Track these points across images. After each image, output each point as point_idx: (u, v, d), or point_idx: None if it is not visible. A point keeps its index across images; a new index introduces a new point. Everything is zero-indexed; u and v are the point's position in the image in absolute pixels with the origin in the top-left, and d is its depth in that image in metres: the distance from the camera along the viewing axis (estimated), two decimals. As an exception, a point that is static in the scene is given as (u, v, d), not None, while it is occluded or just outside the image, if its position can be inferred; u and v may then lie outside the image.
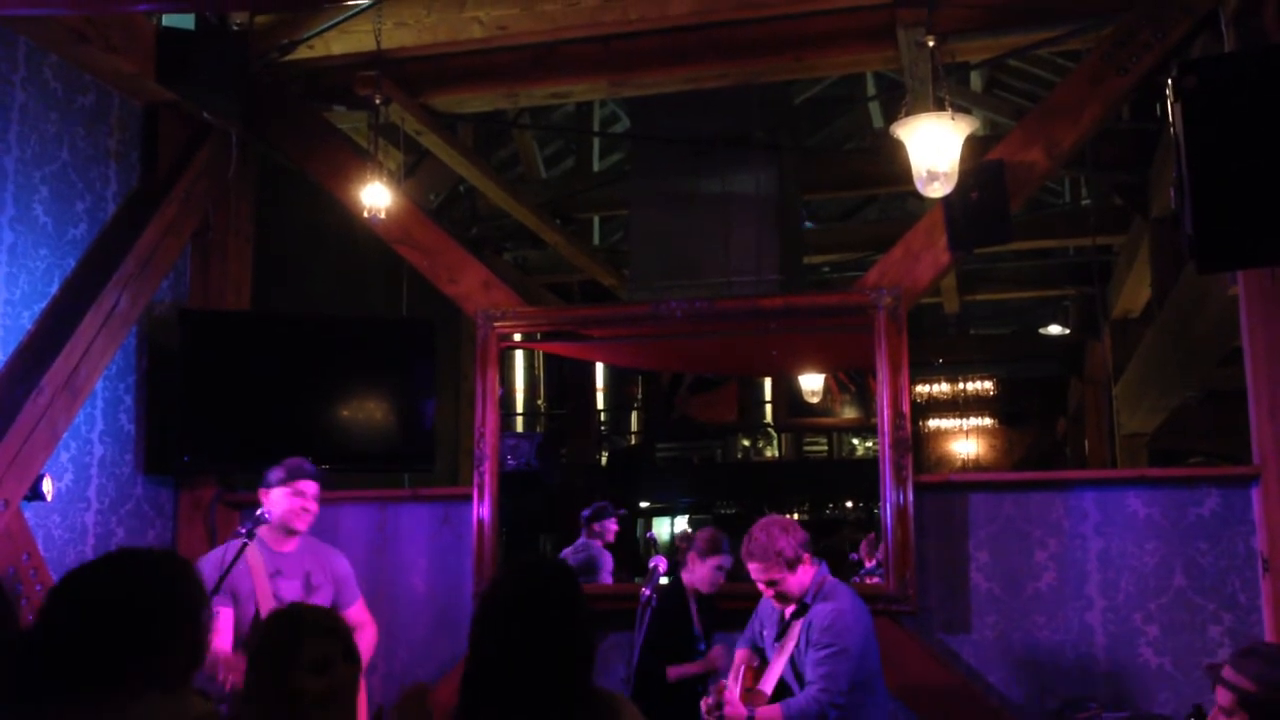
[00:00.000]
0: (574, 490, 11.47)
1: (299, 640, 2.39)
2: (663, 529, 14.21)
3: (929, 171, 4.71)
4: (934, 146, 4.69)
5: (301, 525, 4.41)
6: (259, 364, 5.55)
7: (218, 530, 5.54)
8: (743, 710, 3.84)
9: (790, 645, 3.98)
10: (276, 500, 4.39)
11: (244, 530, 4.26)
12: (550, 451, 12.36)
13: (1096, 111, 5.09)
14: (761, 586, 3.99)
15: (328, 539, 5.59)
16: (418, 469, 6.03)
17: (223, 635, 4.10)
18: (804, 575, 3.95)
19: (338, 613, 4.38)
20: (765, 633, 4.17)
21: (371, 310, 7.67)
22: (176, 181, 5.50)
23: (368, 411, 5.70)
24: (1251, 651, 2.94)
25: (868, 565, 7.65)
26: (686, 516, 14.45)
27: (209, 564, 4.24)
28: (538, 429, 14.06)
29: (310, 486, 4.42)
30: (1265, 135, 2.15)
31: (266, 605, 4.15)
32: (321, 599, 4.43)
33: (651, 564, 4.20)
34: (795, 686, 3.95)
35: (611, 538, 7.54)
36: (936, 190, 4.77)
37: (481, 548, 5.38)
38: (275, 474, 4.44)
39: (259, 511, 4.36)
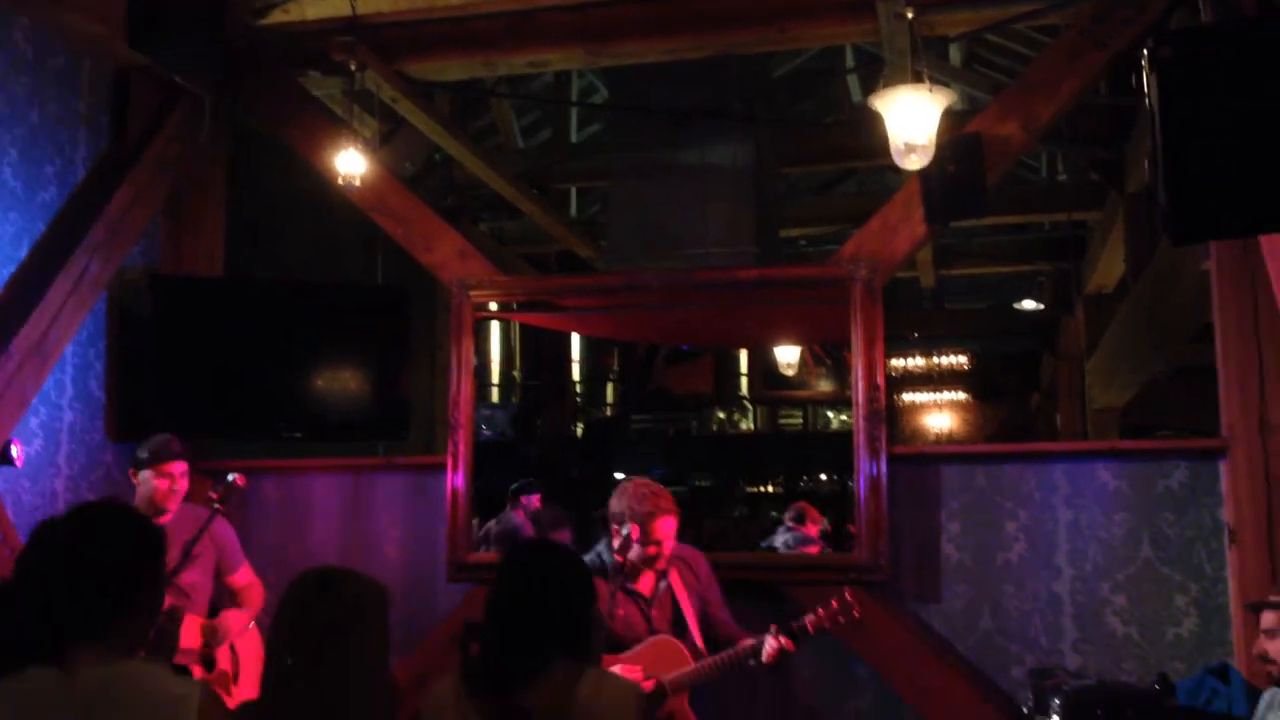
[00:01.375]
0: (549, 461, 11.48)
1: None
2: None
3: (906, 144, 4.71)
4: (911, 119, 4.69)
5: (171, 505, 4.40)
6: (231, 331, 5.50)
7: (190, 497, 5.51)
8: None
9: (682, 594, 4.06)
10: (144, 481, 4.38)
11: (215, 495, 4.26)
12: (525, 422, 12.39)
13: (1074, 86, 5.09)
14: (664, 547, 3.99)
15: (300, 508, 5.60)
16: (392, 438, 6.02)
17: None
18: None
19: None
20: (621, 613, 4.02)
21: (346, 278, 7.62)
22: (148, 146, 5.43)
23: (341, 380, 5.66)
24: None
25: (812, 534, 7.61)
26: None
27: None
28: (513, 400, 14.05)
29: (178, 466, 4.40)
30: (1240, 108, 2.16)
31: None
32: (203, 567, 4.44)
33: (624, 531, 4.20)
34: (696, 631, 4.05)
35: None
36: (913, 163, 4.78)
37: (455, 517, 5.37)
38: (141, 454, 4.42)
39: (230, 477, 4.34)
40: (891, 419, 5.60)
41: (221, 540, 4.56)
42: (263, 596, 4.68)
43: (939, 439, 15.91)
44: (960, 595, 5.04)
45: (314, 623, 2.31)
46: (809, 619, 3.97)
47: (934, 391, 16.21)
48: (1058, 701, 4.37)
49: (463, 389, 5.48)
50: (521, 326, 13.05)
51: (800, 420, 16.82)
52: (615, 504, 4.05)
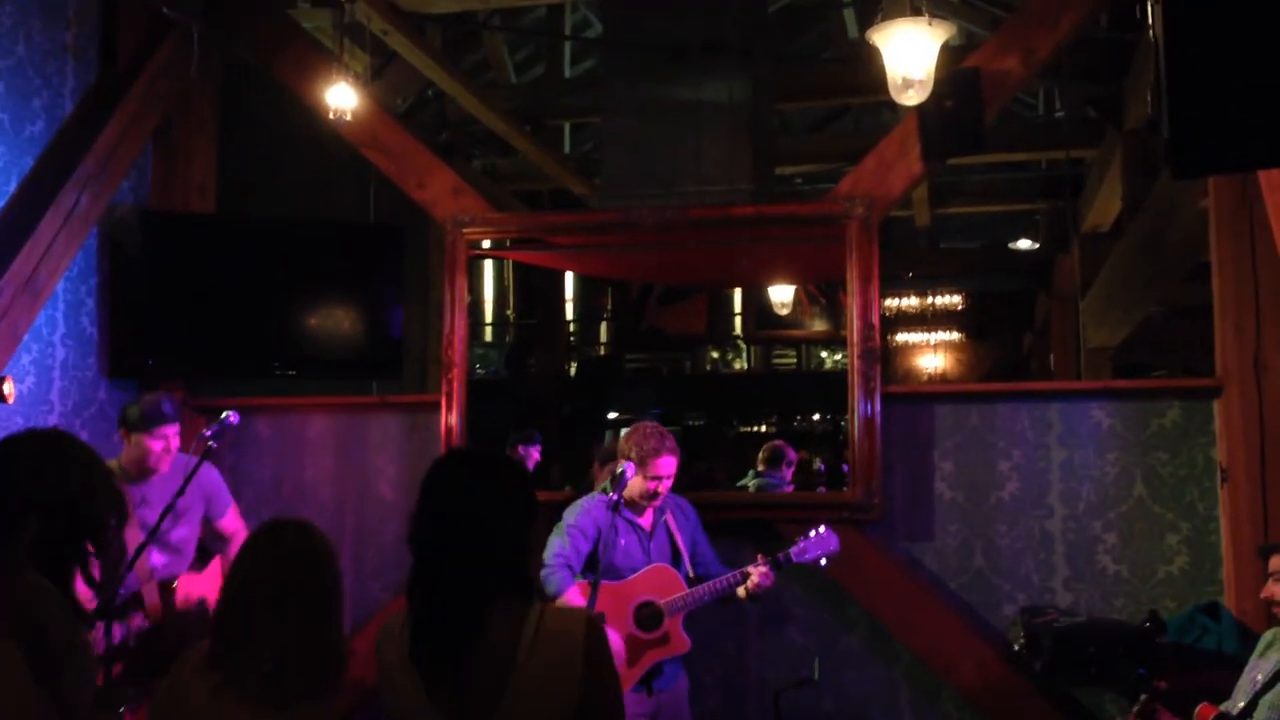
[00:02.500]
0: (542, 400, 11.50)
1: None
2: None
3: (904, 79, 4.66)
4: (910, 53, 4.64)
5: (164, 467, 4.35)
6: (224, 268, 5.46)
7: (183, 435, 5.50)
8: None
9: (677, 532, 4.38)
10: (135, 444, 4.30)
11: (209, 434, 4.24)
12: (519, 361, 12.39)
13: (1074, 18, 5.03)
14: (663, 484, 4.25)
15: (294, 446, 5.60)
16: (385, 377, 6.00)
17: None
18: None
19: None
20: (623, 542, 4.29)
21: (339, 216, 7.56)
22: (136, 78, 5.35)
23: (335, 318, 5.63)
24: None
25: (785, 477, 7.52)
26: (654, 427, 14.52)
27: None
28: (506, 339, 14.05)
29: (171, 429, 4.33)
30: (1246, 40, 2.13)
31: (133, 535, 4.07)
32: (190, 520, 4.44)
33: (620, 469, 4.22)
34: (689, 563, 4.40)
35: (531, 466, 7.61)
36: (911, 98, 4.72)
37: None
38: (131, 416, 4.34)
39: (224, 415, 4.33)
40: (885, 359, 5.59)
41: (209, 487, 4.54)
42: None
43: (932, 379, 15.93)
44: (953, 534, 5.07)
45: (261, 577, 2.29)
46: (793, 550, 4.31)
47: (928, 331, 16.21)
48: (1049, 638, 4.43)
49: (457, 327, 5.46)
50: (515, 265, 13.02)
51: (794, 360, 16.83)
52: (623, 443, 4.34)
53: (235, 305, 5.44)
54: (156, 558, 4.28)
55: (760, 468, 7.38)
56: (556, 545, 4.27)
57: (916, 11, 4.69)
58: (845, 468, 9.16)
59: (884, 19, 4.75)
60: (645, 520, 4.38)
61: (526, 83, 10.28)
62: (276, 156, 7.21)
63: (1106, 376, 9.47)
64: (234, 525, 4.60)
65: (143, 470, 4.32)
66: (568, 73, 10.21)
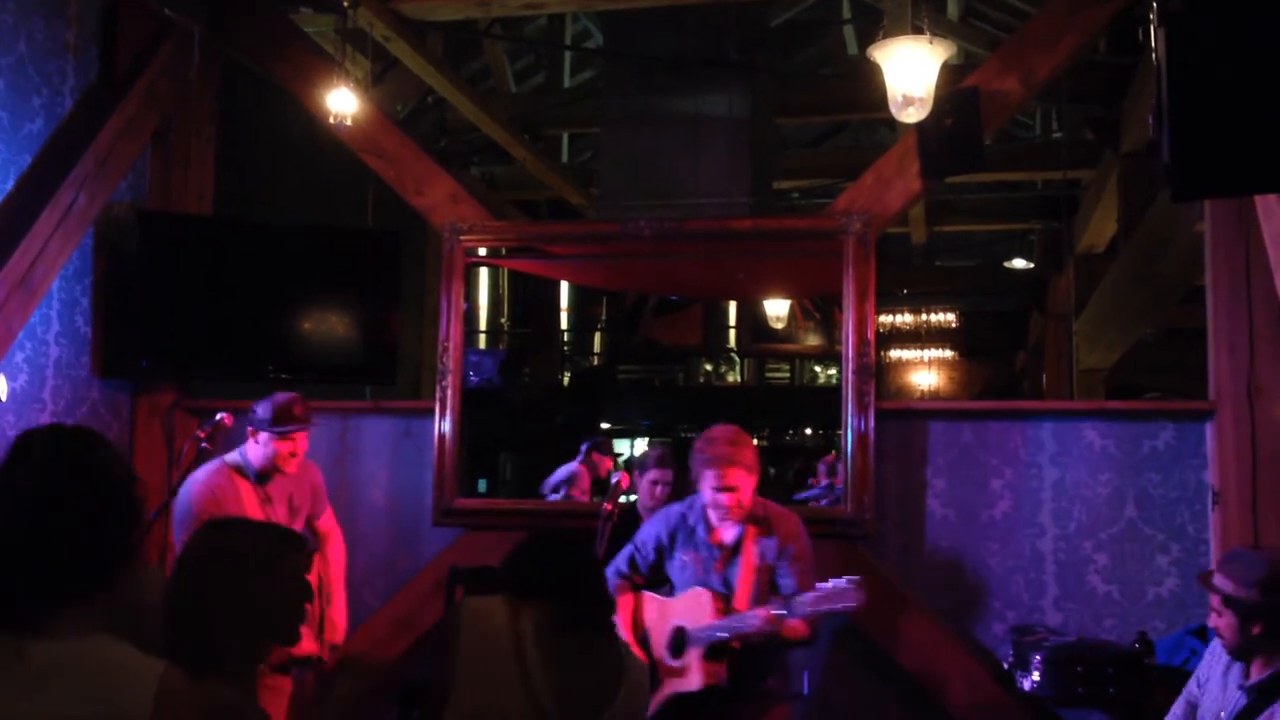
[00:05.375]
0: (536, 409, 11.48)
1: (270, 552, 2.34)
2: (623, 451, 14.28)
3: (904, 96, 4.68)
4: (910, 71, 4.66)
5: (291, 469, 4.35)
6: (220, 270, 5.45)
7: (175, 436, 5.50)
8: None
9: (754, 560, 3.86)
10: (263, 442, 4.29)
11: (203, 434, 4.23)
12: (513, 370, 12.37)
13: (1074, 41, 5.05)
14: (724, 496, 3.77)
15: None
16: (379, 382, 5.99)
17: None
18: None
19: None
20: (684, 558, 3.93)
21: (336, 221, 7.57)
22: (136, 79, 5.35)
23: (330, 322, 5.62)
24: (1235, 556, 3.13)
25: (822, 484, 7.50)
26: (647, 439, 14.53)
27: (199, 498, 4.17)
28: (501, 347, 14.02)
29: (301, 434, 4.32)
30: (1247, 63, 2.14)
31: None
32: (300, 522, 4.44)
33: (614, 480, 4.22)
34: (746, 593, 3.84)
35: (603, 473, 7.67)
36: (911, 115, 4.74)
37: (443, 462, 5.37)
38: (264, 416, 4.28)
39: (217, 416, 4.32)
40: (879, 376, 5.59)
41: (318, 487, 4.61)
42: (343, 549, 4.74)
43: (924, 397, 15.95)
44: (944, 551, 5.07)
45: (192, 573, 2.18)
46: (808, 598, 3.68)
47: (921, 349, 16.24)
48: (1038, 658, 4.42)
49: (453, 334, 5.46)
50: (511, 274, 12.98)
51: (787, 374, 16.83)
52: (694, 450, 3.91)
53: (230, 308, 5.43)
54: None
55: (825, 481, 7.34)
56: (625, 549, 4.10)
57: (918, 30, 4.71)
58: (811, 480, 9.19)
59: (885, 37, 4.78)
60: (726, 537, 3.90)
61: (526, 92, 10.31)
62: (275, 160, 7.22)
63: (1099, 398, 9.50)
64: (330, 525, 4.67)
65: (266, 469, 4.31)
66: (567, 83, 10.24)
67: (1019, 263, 13.31)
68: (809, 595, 3.63)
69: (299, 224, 5.93)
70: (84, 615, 1.79)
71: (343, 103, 5.16)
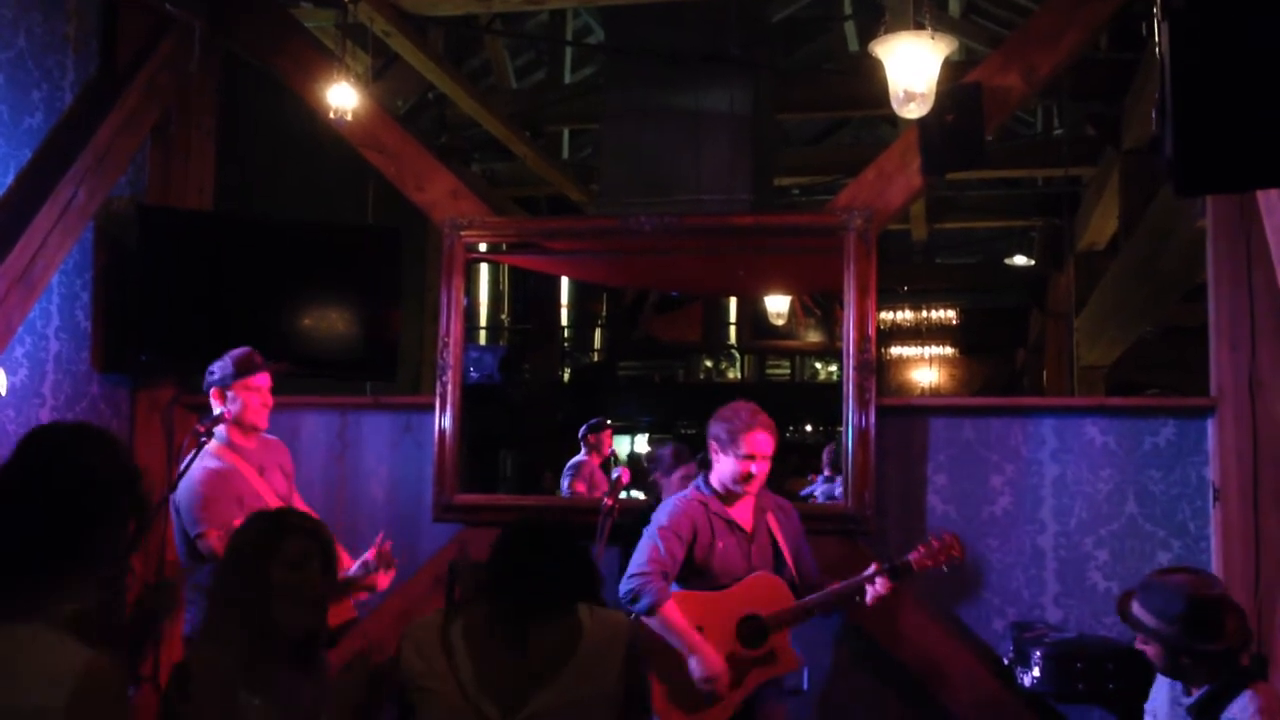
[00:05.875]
0: (536, 405, 11.48)
1: (280, 536, 2.39)
2: (623, 447, 14.29)
3: (906, 91, 4.67)
4: (912, 66, 4.65)
5: (263, 422, 4.29)
6: (220, 265, 5.44)
7: (175, 431, 5.49)
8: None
9: (779, 535, 4.04)
10: (233, 399, 4.22)
11: (202, 429, 4.20)
12: (513, 366, 12.37)
13: (1076, 37, 5.04)
14: (755, 465, 3.94)
15: (288, 444, 5.55)
16: (380, 378, 5.98)
17: None
18: None
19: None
20: (721, 545, 3.98)
21: (336, 216, 7.56)
22: (136, 73, 5.34)
23: (330, 318, 5.61)
24: (1151, 587, 3.05)
25: (822, 476, 7.38)
26: (647, 435, 14.54)
27: (206, 481, 4.08)
28: (501, 343, 14.02)
29: (264, 379, 4.28)
30: (1250, 58, 2.13)
31: (273, 501, 4.07)
32: (294, 490, 4.43)
33: (614, 474, 4.21)
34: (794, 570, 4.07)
35: (606, 451, 7.69)
36: (913, 111, 4.74)
37: (443, 458, 5.36)
38: (223, 371, 4.22)
39: (217, 411, 4.30)
40: (879, 373, 5.59)
41: (288, 467, 4.53)
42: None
43: (924, 394, 15.95)
44: (944, 547, 5.06)
45: None
46: (912, 557, 4.08)
47: (921, 346, 16.25)
48: (1038, 654, 4.42)
49: (453, 330, 5.45)
50: (511, 270, 13.00)
51: (788, 370, 16.84)
52: (712, 425, 4.04)
53: (230, 303, 5.41)
54: None
55: (827, 472, 7.27)
56: (648, 551, 3.90)
57: (919, 25, 4.70)
58: (810, 475, 9.14)
59: (886, 32, 4.77)
60: (745, 520, 4.03)
61: (527, 88, 10.30)
62: (275, 155, 7.21)
63: (1099, 394, 9.49)
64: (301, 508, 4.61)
65: (244, 430, 4.21)
66: (568, 79, 10.23)
67: (1020, 260, 13.32)
68: (915, 554, 4.05)
69: (299, 219, 5.92)
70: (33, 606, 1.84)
71: (343, 98, 5.15)
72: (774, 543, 4.07)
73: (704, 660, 3.76)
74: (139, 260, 5.32)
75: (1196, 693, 2.95)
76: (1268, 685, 2.97)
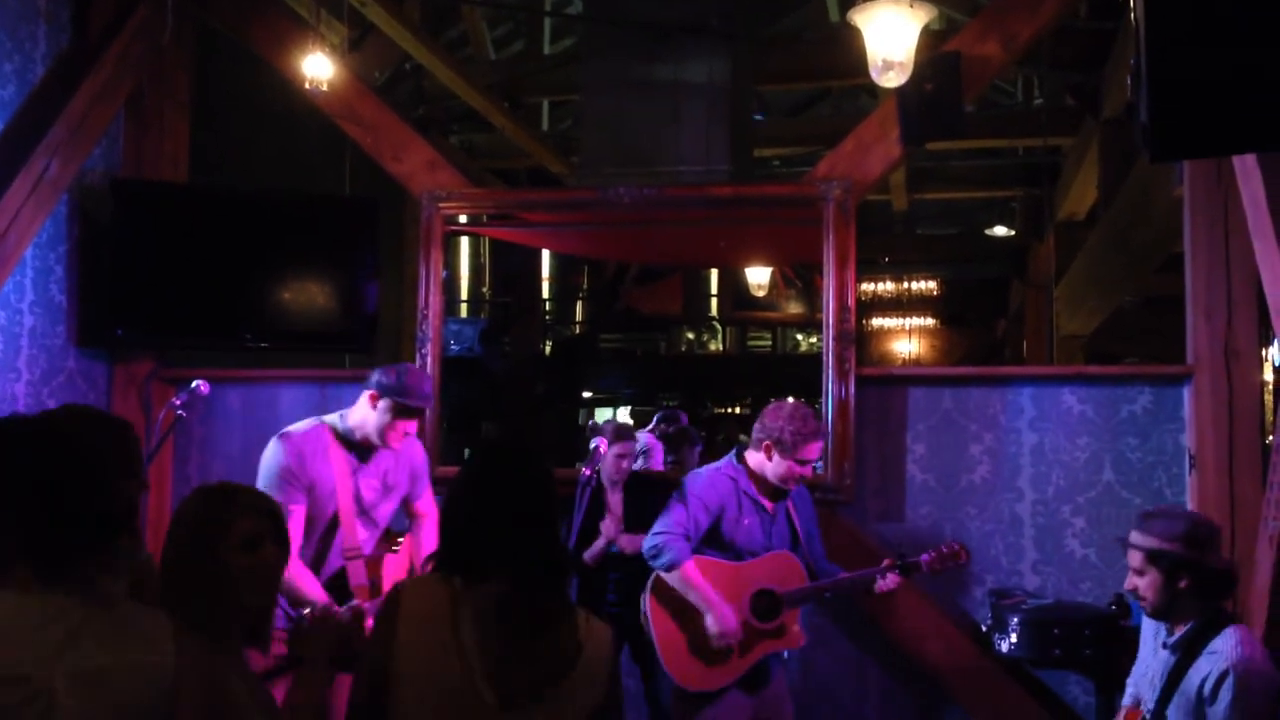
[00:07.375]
0: (517, 378, 11.46)
1: (231, 516, 2.34)
2: (604, 418, 14.30)
3: (884, 60, 4.66)
4: (891, 35, 4.64)
5: (396, 445, 4.04)
6: (196, 238, 5.39)
7: (152, 405, 5.47)
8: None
9: (798, 522, 4.24)
10: (383, 410, 3.96)
11: (179, 403, 4.17)
12: (494, 338, 12.33)
13: (1055, 4, 5.04)
14: (808, 468, 4.14)
15: (265, 418, 5.55)
16: (358, 350, 5.96)
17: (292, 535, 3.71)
18: None
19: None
20: (746, 521, 4.14)
21: (314, 188, 7.50)
22: (109, 45, 5.28)
23: (308, 291, 5.57)
24: (1151, 515, 3.08)
25: None
26: (629, 407, 14.54)
27: (289, 451, 3.92)
28: (482, 316, 13.98)
29: (414, 425, 4.07)
30: (1225, 22, 2.13)
31: (347, 506, 3.92)
32: (393, 500, 4.21)
33: (592, 445, 4.21)
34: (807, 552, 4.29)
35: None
36: (891, 80, 4.73)
37: (422, 431, 5.34)
38: (392, 383, 3.95)
39: (194, 384, 4.25)
40: (860, 344, 5.60)
41: (418, 466, 4.33)
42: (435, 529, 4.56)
43: (905, 364, 16.00)
44: (923, 516, 5.09)
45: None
46: (924, 558, 4.23)
47: (902, 317, 16.28)
48: (1015, 620, 4.46)
49: (432, 302, 5.43)
50: (492, 242, 12.93)
51: (769, 342, 16.85)
52: (772, 421, 4.10)
53: (206, 276, 5.37)
54: (362, 533, 4.03)
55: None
56: (676, 513, 4.06)
57: (898, -7, 4.68)
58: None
59: (866, 1, 4.75)
60: (767, 501, 4.19)
61: (506, 59, 10.22)
62: (251, 127, 7.14)
63: (1079, 364, 9.53)
64: (428, 507, 4.39)
65: (371, 439, 4.00)
66: (547, 50, 10.15)
67: (1000, 230, 13.34)
68: (926, 557, 4.22)
69: (276, 191, 5.87)
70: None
71: (318, 69, 5.10)
72: (791, 526, 4.24)
73: (719, 617, 3.96)
74: (113, 233, 5.28)
75: (1180, 630, 2.98)
76: (1249, 629, 3.00)
